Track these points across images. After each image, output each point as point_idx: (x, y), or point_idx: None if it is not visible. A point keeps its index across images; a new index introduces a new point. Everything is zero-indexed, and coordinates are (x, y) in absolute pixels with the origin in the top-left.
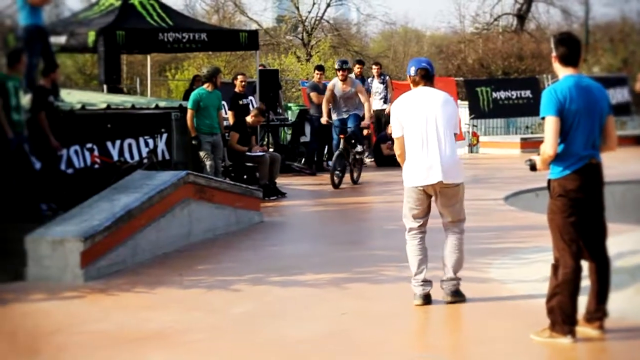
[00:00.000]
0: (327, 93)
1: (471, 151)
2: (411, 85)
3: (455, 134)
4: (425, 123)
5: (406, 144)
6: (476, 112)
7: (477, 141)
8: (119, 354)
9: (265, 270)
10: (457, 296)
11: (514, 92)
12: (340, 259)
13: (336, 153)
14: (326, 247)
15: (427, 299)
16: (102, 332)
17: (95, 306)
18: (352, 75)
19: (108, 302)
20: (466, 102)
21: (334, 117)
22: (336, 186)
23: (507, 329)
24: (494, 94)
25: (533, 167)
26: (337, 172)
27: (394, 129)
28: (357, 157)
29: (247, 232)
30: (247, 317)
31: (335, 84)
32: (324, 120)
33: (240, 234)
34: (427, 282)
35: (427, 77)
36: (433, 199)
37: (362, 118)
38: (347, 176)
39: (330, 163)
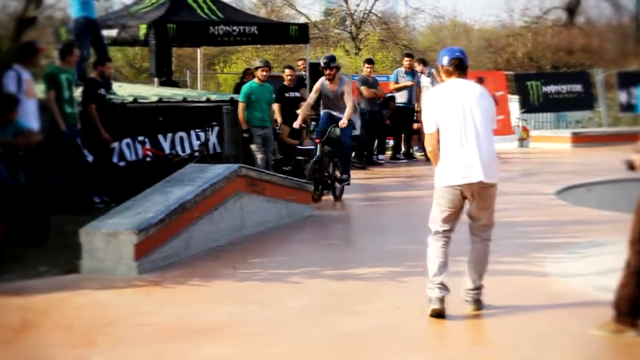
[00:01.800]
0: (312, 95)
1: (521, 145)
2: (443, 76)
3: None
4: (462, 117)
5: (441, 140)
6: (526, 106)
7: (528, 135)
8: (174, 346)
9: (319, 264)
10: (479, 305)
11: (564, 86)
12: (393, 252)
13: (315, 158)
14: (379, 241)
15: (442, 304)
16: (157, 325)
17: (150, 299)
18: (343, 76)
19: (162, 294)
20: (516, 96)
21: (322, 111)
22: (315, 200)
23: (565, 322)
24: (544, 88)
25: (631, 167)
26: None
27: (427, 123)
28: (338, 174)
29: (298, 225)
30: (302, 310)
31: (323, 83)
32: (296, 124)
33: (292, 227)
34: (444, 286)
35: (461, 67)
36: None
37: (352, 127)
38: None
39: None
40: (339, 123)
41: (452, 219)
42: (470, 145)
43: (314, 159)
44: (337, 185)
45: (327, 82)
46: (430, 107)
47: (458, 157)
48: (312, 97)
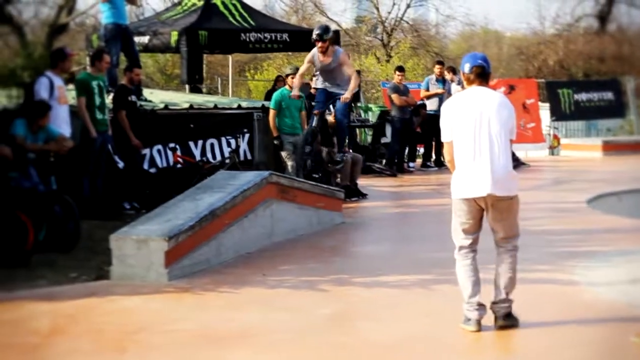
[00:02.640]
0: (304, 65)
1: (552, 153)
2: (464, 83)
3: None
4: (477, 127)
5: (455, 150)
6: (557, 114)
7: (558, 143)
8: (204, 353)
9: (349, 271)
10: (509, 320)
11: (595, 94)
12: (424, 260)
13: (307, 130)
14: (409, 248)
15: (480, 326)
16: (187, 331)
17: (180, 305)
18: (338, 48)
19: (192, 301)
20: (547, 104)
21: (319, 87)
22: (297, 175)
23: (599, 331)
24: (575, 96)
25: None
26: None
27: (444, 132)
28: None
29: (329, 232)
30: (332, 318)
31: (314, 55)
32: (293, 94)
33: (323, 235)
34: (482, 306)
35: (482, 75)
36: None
37: (347, 107)
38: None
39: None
40: (341, 98)
41: (472, 230)
42: (484, 156)
43: (307, 130)
44: (331, 167)
45: (319, 54)
46: (447, 115)
47: (470, 169)
48: (303, 67)
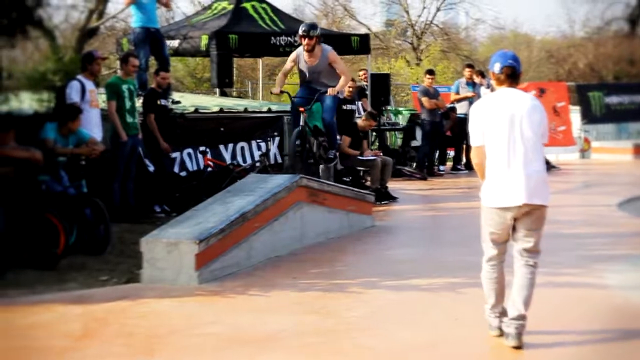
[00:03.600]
0: (287, 64)
1: (583, 157)
2: (494, 82)
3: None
4: (509, 131)
5: (488, 155)
6: (588, 117)
7: (589, 146)
8: (235, 356)
9: (379, 275)
10: (519, 340)
11: (625, 97)
12: (453, 263)
13: (296, 130)
14: (439, 252)
15: (503, 331)
16: (217, 334)
17: (210, 308)
18: (325, 46)
19: (223, 304)
20: (578, 107)
21: (299, 93)
22: (292, 168)
23: (629, 336)
24: (606, 99)
25: None
26: (293, 153)
27: (474, 136)
28: (324, 156)
29: (359, 236)
30: (362, 321)
31: (299, 55)
32: (275, 90)
33: (353, 238)
34: (503, 313)
35: (513, 76)
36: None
37: (335, 106)
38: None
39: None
40: (329, 90)
41: (501, 240)
42: (517, 163)
43: (295, 131)
44: (323, 165)
45: (305, 53)
46: (477, 118)
47: (503, 176)
48: (286, 67)
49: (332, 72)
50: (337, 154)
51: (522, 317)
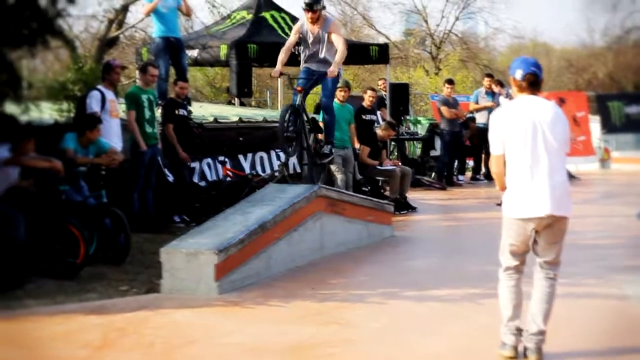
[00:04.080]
0: (292, 37)
1: (602, 167)
2: (515, 89)
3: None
4: (532, 140)
5: (508, 165)
6: (608, 127)
7: (609, 156)
8: None
9: (399, 285)
10: (540, 355)
11: None
12: (473, 273)
13: (289, 107)
14: (459, 262)
15: (516, 352)
16: (238, 345)
17: (230, 319)
18: (328, 16)
19: (242, 314)
20: (597, 117)
21: (302, 66)
22: (289, 154)
23: None
24: (626, 109)
25: None
26: (289, 134)
27: (494, 144)
28: (319, 151)
29: (378, 246)
30: (382, 331)
31: (303, 24)
32: (275, 72)
33: (372, 248)
34: (520, 331)
35: (535, 84)
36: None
37: (335, 87)
38: None
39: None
40: (328, 71)
41: (521, 251)
42: (541, 173)
43: (290, 108)
44: (318, 161)
45: (309, 24)
46: (498, 126)
47: (527, 187)
48: (291, 40)
49: (333, 45)
50: (333, 150)
51: (541, 333)
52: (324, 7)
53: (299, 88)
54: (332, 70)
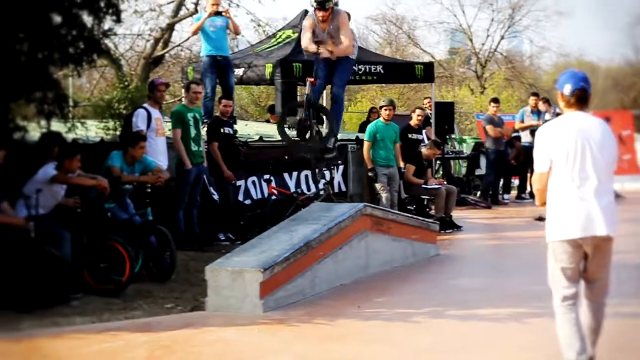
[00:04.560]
0: (307, 34)
1: None
2: (562, 105)
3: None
4: (582, 158)
5: (554, 183)
6: None
7: None
8: None
9: (444, 304)
10: None
11: None
12: (518, 293)
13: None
14: (504, 281)
15: None
16: None
17: (275, 337)
18: (339, 9)
19: (287, 333)
20: None
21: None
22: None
23: None
24: None
25: None
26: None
27: (539, 162)
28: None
29: (424, 265)
30: (428, 351)
31: (315, 20)
32: (313, 48)
33: (417, 267)
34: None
35: (584, 99)
36: None
37: (348, 77)
38: None
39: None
40: (329, 50)
41: (577, 276)
42: (592, 192)
43: (304, 99)
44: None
45: (320, 23)
46: (545, 143)
47: (576, 208)
48: (308, 36)
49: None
50: (337, 145)
51: (592, 358)
52: (336, 4)
53: (310, 80)
54: (329, 50)
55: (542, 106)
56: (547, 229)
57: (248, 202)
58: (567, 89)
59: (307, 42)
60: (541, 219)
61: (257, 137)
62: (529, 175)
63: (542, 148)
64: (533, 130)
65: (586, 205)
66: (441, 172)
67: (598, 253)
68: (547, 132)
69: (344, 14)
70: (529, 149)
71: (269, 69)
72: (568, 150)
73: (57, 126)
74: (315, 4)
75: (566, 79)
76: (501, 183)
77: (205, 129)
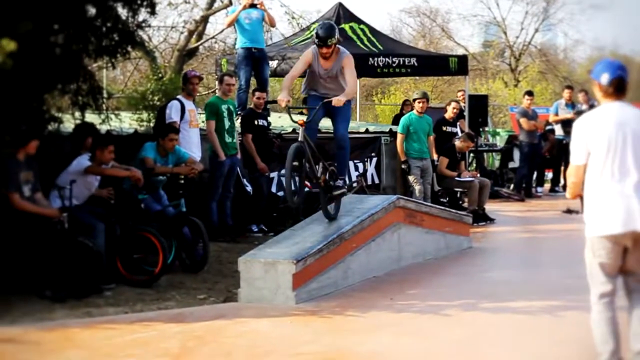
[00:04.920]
0: (299, 66)
1: None
2: (599, 95)
3: None
4: (622, 151)
5: (592, 177)
6: None
7: None
8: None
9: (476, 296)
10: None
11: None
12: (552, 286)
13: (292, 148)
14: (537, 274)
15: None
16: (314, 355)
17: (307, 328)
18: (343, 49)
19: (320, 324)
20: None
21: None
22: (294, 203)
23: None
24: None
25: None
26: (292, 184)
27: (576, 154)
28: (331, 182)
29: (456, 257)
30: (459, 342)
31: (315, 55)
32: (282, 100)
33: (450, 259)
34: None
35: (622, 89)
36: None
37: (349, 118)
38: None
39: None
40: (333, 100)
41: (615, 271)
42: (630, 185)
43: (292, 148)
44: (329, 194)
45: (321, 59)
46: (583, 134)
47: (616, 201)
48: (298, 68)
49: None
50: (347, 183)
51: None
52: (339, 40)
53: (300, 122)
54: (339, 99)
55: (581, 97)
56: (585, 223)
57: (281, 193)
58: (604, 78)
59: (286, 82)
60: (569, 211)
61: (290, 129)
62: (562, 168)
63: (580, 140)
64: (564, 123)
65: (626, 200)
66: (474, 165)
67: (638, 247)
68: (585, 124)
69: (349, 56)
70: (562, 141)
71: None
72: (608, 142)
73: (91, 117)
74: (316, 40)
75: (602, 68)
76: (534, 176)
77: (239, 120)
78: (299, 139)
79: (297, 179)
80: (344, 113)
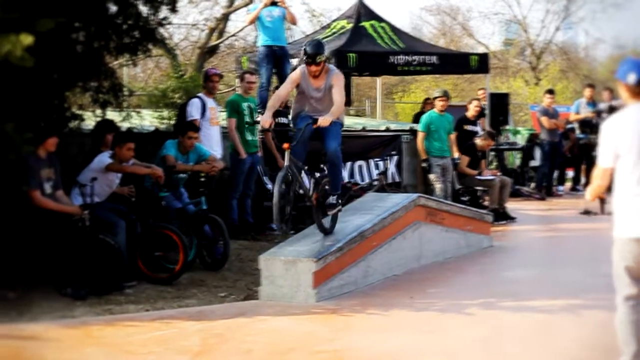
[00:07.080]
0: (287, 85)
1: None
2: (625, 95)
3: None
4: None
5: (622, 179)
6: None
7: None
8: None
9: (497, 295)
10: None
11: None
12: (573, 284)
13: (280, 174)
14: (558, 273)
15: None
16: (335, 353)
17: (328, 326)
18: (332, 67)
19: (340, 322)
20: None
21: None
22: (281, 228)
23: None
24: None
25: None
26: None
27: (604, 155)
28: (324, 198)
29: (477, 256)
30: (481, 342)
31: (304, 75)
32: (265, 122)
33: (470, 258)
34: None
35: None
36: None
37: (340, 134)
38: None
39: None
40: (319, 121)
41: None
42: None
43: (280, 175)
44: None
45: (310, 78)
46: (611, 136)
47: None
48: (286, 88)
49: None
50: (340, 200)
51: None
52: (328, 58)
53: (285, 145)
54: (325, 119)
55: (605, 94)
56: (615, 223)
57: (301, 192)
58: (632, 78)
59: (272, 102)
60: (587, 212)
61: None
62: (583, 167)
63: (608, 142)
64: (582, 123)
65: None
66: (495, 163)
67: None
68: (614, 126)
69: (339, 73)
70: (580, 140)
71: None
72: (638, 145)
73: (111, 115)
74: (305, 58)
75: (629, 68)
76: (555, 174)
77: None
78: (285, 164)
79: (286, 208)
80: (333, 130)
